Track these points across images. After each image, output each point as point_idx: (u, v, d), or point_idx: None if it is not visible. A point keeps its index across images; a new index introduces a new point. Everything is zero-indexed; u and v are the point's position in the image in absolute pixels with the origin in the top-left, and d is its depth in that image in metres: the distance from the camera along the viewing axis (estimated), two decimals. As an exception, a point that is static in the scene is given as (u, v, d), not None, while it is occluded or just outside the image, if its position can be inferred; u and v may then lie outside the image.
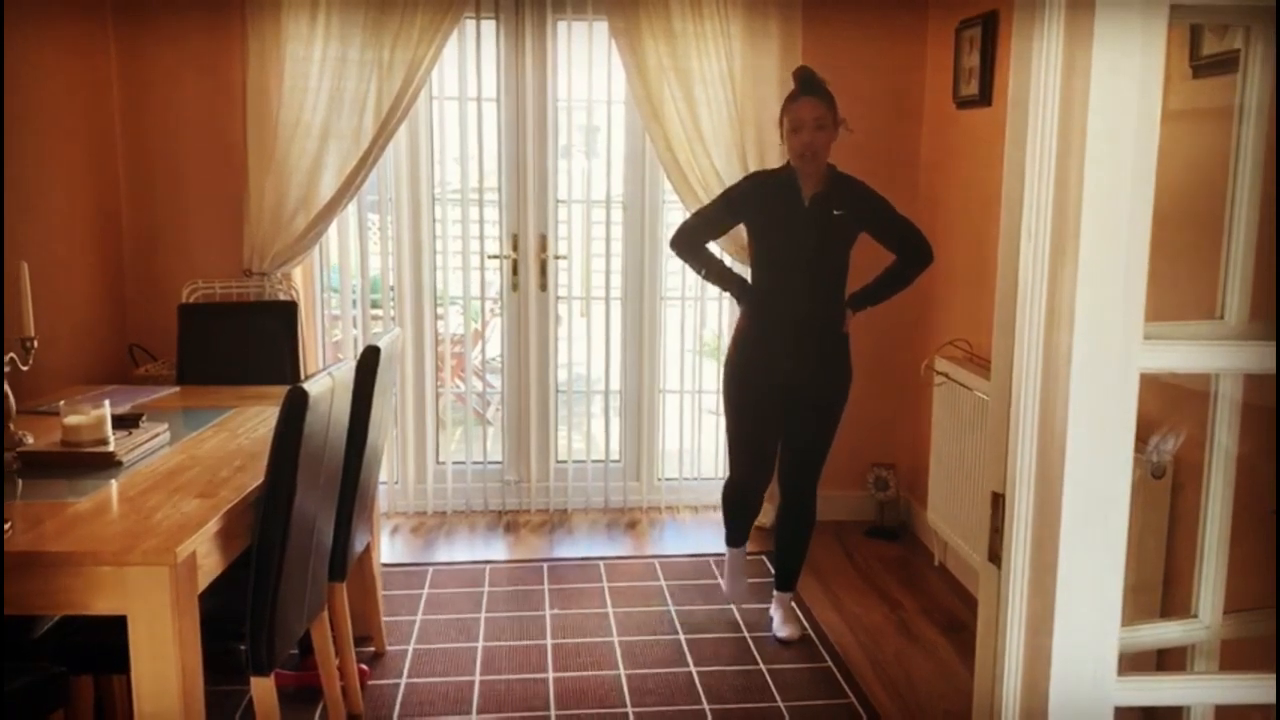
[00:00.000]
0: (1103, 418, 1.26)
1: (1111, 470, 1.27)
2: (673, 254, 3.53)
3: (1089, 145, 1.21)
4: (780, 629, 3.55)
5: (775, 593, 3.67)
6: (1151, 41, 1.20)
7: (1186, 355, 1.37)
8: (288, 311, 3.78)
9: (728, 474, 3.68)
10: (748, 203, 3.41)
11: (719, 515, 4.66)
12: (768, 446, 3.51)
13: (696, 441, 4.89)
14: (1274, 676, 1.36)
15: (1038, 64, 1.27)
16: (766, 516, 4.39)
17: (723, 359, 3.63)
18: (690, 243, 3.45)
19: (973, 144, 4.00)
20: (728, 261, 3.88)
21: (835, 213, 3.30)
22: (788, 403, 3.44)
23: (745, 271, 3.62)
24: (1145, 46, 1.20)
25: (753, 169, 4.21)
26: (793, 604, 3.71)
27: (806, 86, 3.27)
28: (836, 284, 3.39)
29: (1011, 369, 1.33)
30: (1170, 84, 2.54)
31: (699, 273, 3.54)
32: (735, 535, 3.70)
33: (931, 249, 3.45)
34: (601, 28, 4.33)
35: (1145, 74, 1.21)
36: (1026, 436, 1.31)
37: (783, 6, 4.21)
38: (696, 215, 3.55)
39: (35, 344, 2.69)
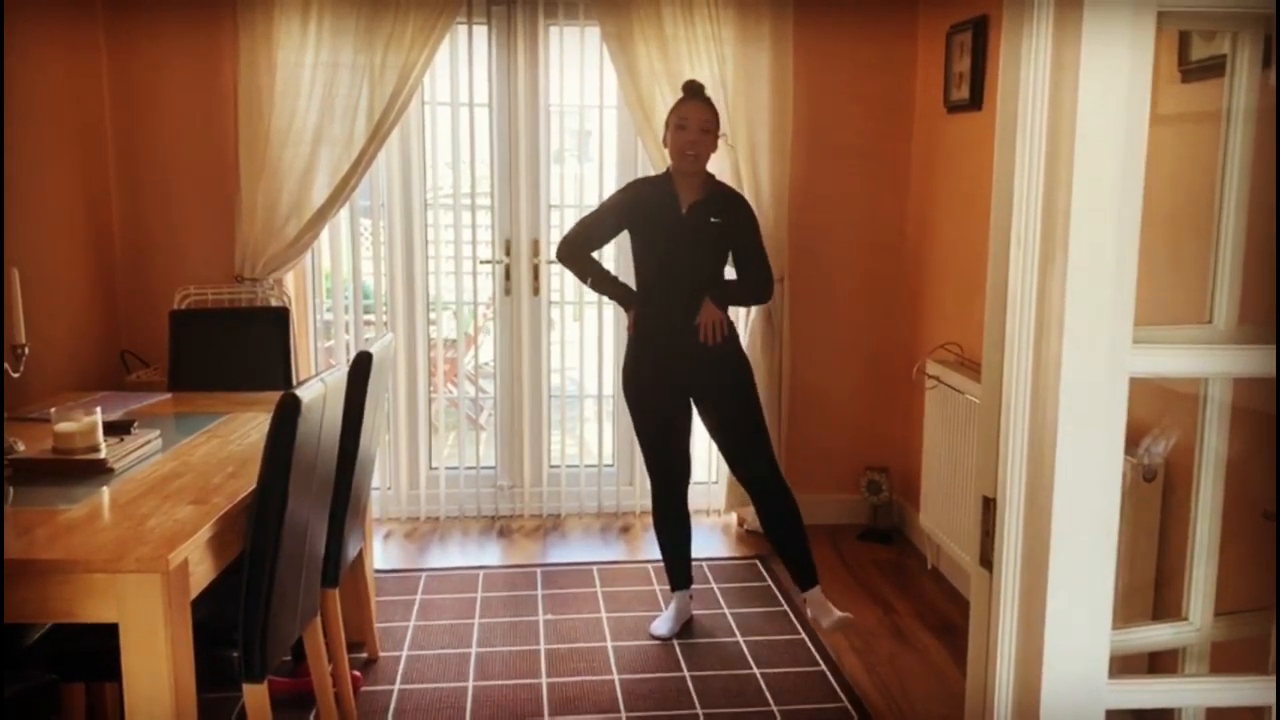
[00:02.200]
0: (1093, 421, 1.26)
1: (1102, 474, 1.28)
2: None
3: (1077, 150, 1.22)
4: (826, 620, 3.47)
5: (804, 595, 3.58)
6: (1139, 46, 1.21)
7: (1176, 359, 1.37)
8: (280, 317, 3.77)
9: (651, 495, 3.63)
10: (627, 209, 3.46)
11: (712, 519, 4.70)
12: (675, 448, 3.56)
13: (690, 446, 4.88)
14: (1265, 678, 1.37)
15: (1026, 68, 1.27)
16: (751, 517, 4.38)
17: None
18: (573, 252, 3.51)
19: (963, 148, 4.01)
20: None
21: (712, 220, 3.38)
22: (692, 403, 3.52)
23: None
24: (1133, 51, 1.21)
25: (745, 174, 4.23)
26: (822, 595, 3.55)
27: (695, 93, 3.38)
28: (715, 289, 3.44)
29: (1002, 373, 1.34)
30: (1159, 88, 2.56)
31: (584, 281, 3.56)
32: (678, 575, 3.66)
33: (772, 292, 3.57)
34: (593, 32, 4.34)
35: (1133, 78, 1.21)
36: (1017, 441, 1.32)
37: (774, 11, 4.22)
38: (579, 224, 3.55)
39: (27, 351, 2.68)
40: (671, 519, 3.62)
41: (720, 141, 3.48)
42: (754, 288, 3.52)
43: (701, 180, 3.42)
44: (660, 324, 3.44)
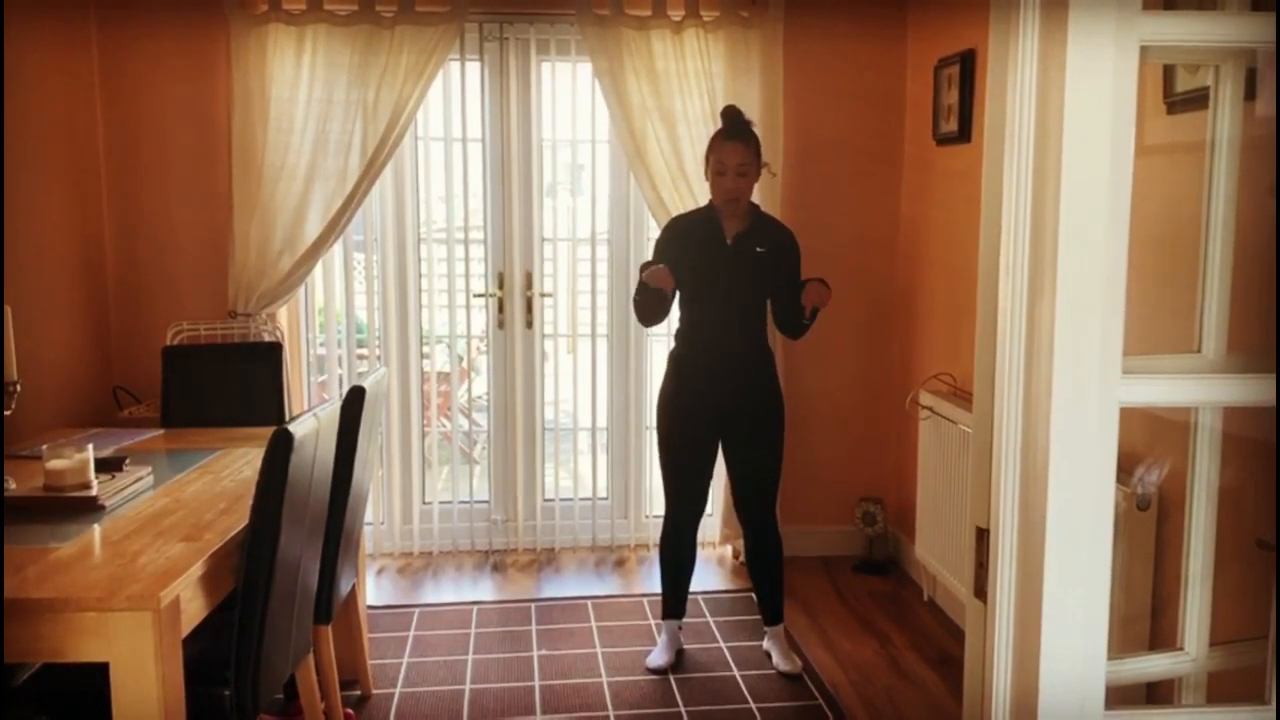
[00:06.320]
0: (1084, 451, 1.26)
1: (1094, 503, 1.28)
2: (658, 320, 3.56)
3: (1064, 181, 1.23)
4: (781, 664, 3.54)
5: (766, 629, 3.65)
6: (1123, 78, 1.22)
7: (1165, 388, 1.38)
8: (273, 352, 3.77)
9: (663, 523, 3.63)
10: (671, 247, 3.45)
11: (707, 551, 4.67)
12: (701, 482, 3.56)
13: (684, 478, 4.86)
14: (1263, 708, 1.36)
15: (1012, 100, 1.28)
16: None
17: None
18: (640, 313, 3.49)
19: (952, 179, 4.04)
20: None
21: (758, 250, 3.38)
22: (723, 436, 3.50)
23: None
24: (1117, 83, 1.22)
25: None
26: (787, 636, 3.69)
27: (732, 130, 3.34)
28: (760, 319, 3.46)
29: (993, 404, 1.34)
30: (1145, 120, 2.58)
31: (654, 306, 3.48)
32: (673, 604, 3.66)
33: (802, 334, 3.50)
34: (585, 68, 4.38)
35: (1118, 110, 1.23)
36: (1009, 471, 1.32)
37: (764, 45, 4.26)
38: (638, 287, 3.48)
39: (18, 387, 2.67)
40: (680, 548, 3.62)
41: (764, 171, 3.46)
42: (780, 317, 3.50)
43: (746, 210, 3.41)
44: (704, 355, 3.44)
